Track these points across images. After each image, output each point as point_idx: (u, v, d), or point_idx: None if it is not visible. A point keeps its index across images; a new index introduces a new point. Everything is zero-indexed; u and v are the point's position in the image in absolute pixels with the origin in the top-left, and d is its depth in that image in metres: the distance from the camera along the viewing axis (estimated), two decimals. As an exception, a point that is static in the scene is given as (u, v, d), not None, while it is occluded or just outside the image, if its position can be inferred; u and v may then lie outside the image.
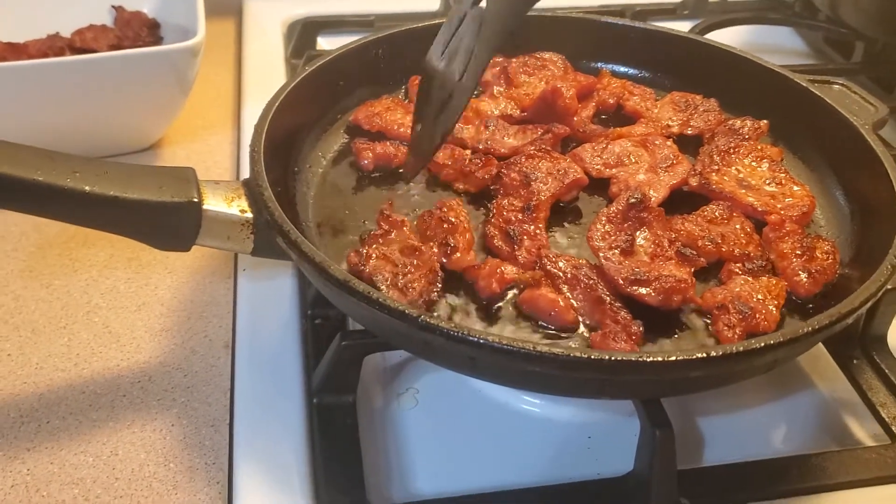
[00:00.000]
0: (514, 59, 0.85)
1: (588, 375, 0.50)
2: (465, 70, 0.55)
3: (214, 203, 0.60)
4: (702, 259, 0.64)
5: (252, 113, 0.83)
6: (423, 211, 0.66)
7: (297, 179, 0.71)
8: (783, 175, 0.72)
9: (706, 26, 1.10)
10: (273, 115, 0.68)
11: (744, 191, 0.70)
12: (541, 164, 0.70)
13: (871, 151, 0.69)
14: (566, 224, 0.70)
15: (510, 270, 0.61)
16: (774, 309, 0.59)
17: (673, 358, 0.49)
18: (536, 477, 0.57)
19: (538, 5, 0.62)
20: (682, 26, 1.05)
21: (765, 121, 0.77)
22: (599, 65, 0.89)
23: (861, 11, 1.03)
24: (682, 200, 0.70)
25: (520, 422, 0.62)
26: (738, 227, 0.67)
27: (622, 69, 0.89)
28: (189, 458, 0.59)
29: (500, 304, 0.61)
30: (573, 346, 0.58)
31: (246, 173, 0.64)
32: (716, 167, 0.72)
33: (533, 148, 0.73)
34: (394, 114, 0.78)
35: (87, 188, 0.55)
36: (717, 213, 0.68)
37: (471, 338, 0.49)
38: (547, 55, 0.86)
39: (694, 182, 0.72)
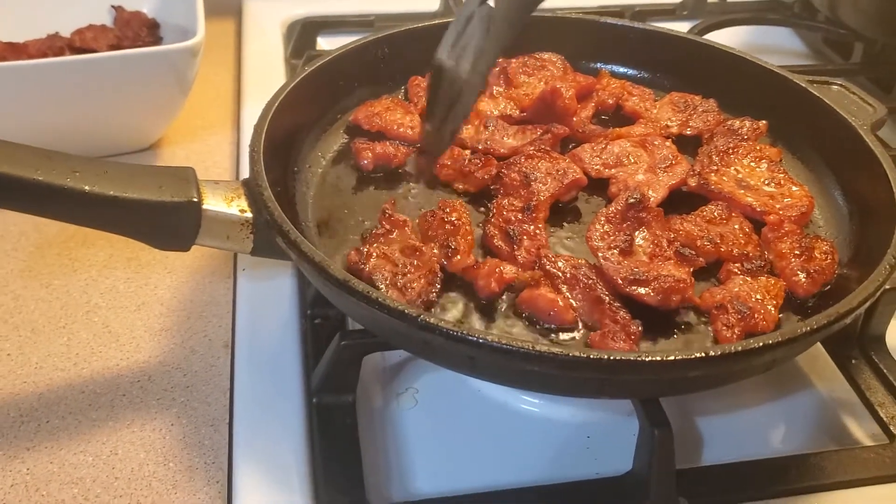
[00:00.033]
0: (513, 60, 0.85)
1: (587, 375, 0.50)
2: (474, 69, 0.54)
3: (214, 203, 0.60)
4: (701, 259, 0.64)
5: (252, 113, 0.83)
6: (425, 211, 0.66)
7: (296, 179, 0.71)
8: (782, 175, 0.72)
9: (705, 27, 1.10)
10: (273, 115, 0.68)
11: (742, 191, 0.70)
12: (540, 165, 0.70)
13: (870, 152, 0.69)
14: (565, 224, 0.70)
15: (509, 270, 0.61)
16: (773, 309, 0.60)
17: (671, 357, 0.49)
18: (535, 476, 0.58)
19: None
20: (682, 27, 1.05)
21: (764, 121, 0.78)
22: (599, 65, 0.89)
23: (860, 12, 1.03)
24: (681, 201, 0.70)
25: (519, 421, 0.62)
26: (736, 227, 0.67)
27: (621, 70, 0.89)
28: (189, 458, 0.59)
29: (500, 303, 0.61)
30: (572, 345, 0.58)
31: (245, 173, 0.64)
32: (715, 167, 0.72)
33: (532, 148, 0.73)
34: (393, 114, 0.78)
35: (86, 188, 0.55)
36: (715, 214, 0.68)
37: (470, 337, 0.49)
38: (546, 55, 0.87)
39: (693, 182, 0.72)
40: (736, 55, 0.83)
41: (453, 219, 0.64)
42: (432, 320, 0.50)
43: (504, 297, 0.61)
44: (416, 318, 0.50)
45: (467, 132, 0.77)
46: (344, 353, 0.59)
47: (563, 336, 0.59)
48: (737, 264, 0.64)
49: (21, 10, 0.94)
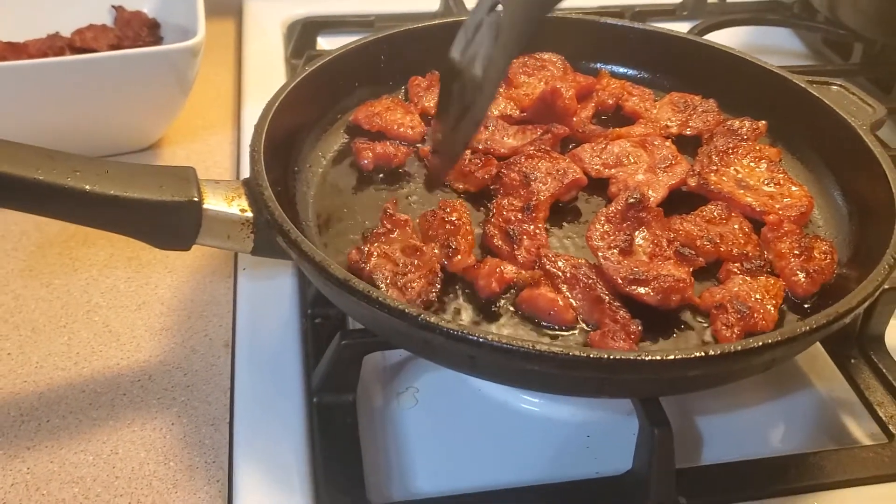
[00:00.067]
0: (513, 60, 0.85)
1: (587, 374, 0.50)
2: (485, 77, 0.54)
3: (215, 202, 0.60)
4: (700, 259, 0.64)
5: (252, 113, 0.84)
6: (426, 210, 0.66)
7: (297, 179, 0.72)
8: (781, 175, 0.72)
9: (705, 27, 1.11)
10: (273, 114, 0.68)
11: (742, 191, 0.71)
12: (540, 165, 0.70)
13: (869, 152, 0.69)
14: (565, 224, 0.70)
15: (510, 270, 0.61)
16: (772, 308, 0.60)
17: (671, 357, 0.49)
18: (536, 475, 0.58)
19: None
20: (681, 27, 1.05)
21: (763, 121, 0.78)
22: (599, 65, 0.89)
23: (859, 13, 1.03)
24: (681, 200, 0.71)
25: (519, 421, 0.62)
26: (736, 227, 0.67)
27: (621, 70, 0.89)
28: (189, 457, 0.59)
29: (500, 303, 0.61)
30: (572, 345, 0.58)
31: (246, 173, 0.64)
32: (714, 167, 0.72)
33: (532, 148, 0.73)
34: (394, 114, 0.78)
35: (87, 187, 0.55)
36: (715, 214, 0.68)
37: (470, 336, 0.49)
38: (546, 56, 0.87)
39: (692, 182, 0.72)
40: (736, 55, 0.84)
41: (454, 218, 0.64)
42: (433, 319, 0.50)
43: (504, 296, 0.61)
44: (417, 318, 0.50)
45: (467, 132, 0.77)
46: (344, 353, 0.59)
47: (564, 335, 0.59)
48: (736, 264, 0.64)
49: (21, 9, 0.94)
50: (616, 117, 0.83)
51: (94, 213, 0.57)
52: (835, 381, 0.66)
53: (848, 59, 1.12)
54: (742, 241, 0.66)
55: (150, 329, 0.69)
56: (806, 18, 1.16)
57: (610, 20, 0.89)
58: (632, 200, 0.65)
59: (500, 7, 0.55)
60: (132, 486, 0.57)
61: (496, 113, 0.80)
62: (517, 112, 0.81)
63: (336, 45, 0.82)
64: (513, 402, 0.63)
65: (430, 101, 0.81)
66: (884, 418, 0.62)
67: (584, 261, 0.62)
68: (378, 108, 0.79)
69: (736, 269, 0.63)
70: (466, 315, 0.60)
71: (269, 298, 0.70)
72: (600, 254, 0.62)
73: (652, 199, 0.69)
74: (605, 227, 0.64)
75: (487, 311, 0.61)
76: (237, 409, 0.61)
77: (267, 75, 1.01)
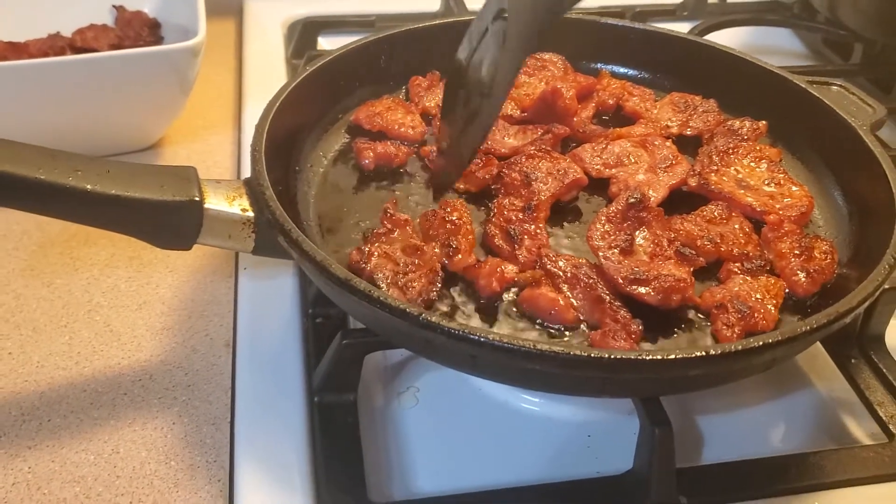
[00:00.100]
0: (514, 60, 0.85)
1: (588, 374, 0.50)
2: (492, 85, 0.54)
3: (216, 202, 0.60)
4: (701, 259, 0.64)
5: (253, 113, 0.83)
6: (426, 210, 0.66)
7: (298, 179, 0.72)
8: (782, 175, 0.72)
9: (705, 27, 1.11)
10: (274, 114, 0.68)
11: (742, 191, 0.71)
12: (541, 164, 0.70)
13: (870, 152, 0.69)
14: (566, 224, 0.70)
15: (510, 269, 0.61)
16: (773, 308, 0.60)
17: (672, 356, 0.49)
18: (536, 475, 0.58)
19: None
20: (682, 27, 1.05)
21: (763, 121, 0.78)
22: (599, 65, 0.89)
23: (860, 13, 1.03)
24: (682, 200, 0.71)
25: (520, 420, 0.62)
26: (736, 227, 0.67)
27: (622, 70, 0.89)
28: (190, 457, 0.59)
29: (501, 302, 0.61)
30: (573, 344, 0.58)
31: (246, 173, 0.64)
32: (715, 167, 0.72)
33: (533, 148, 0.73)
34: (394, 114, 0.78)
35: (88, 187, 0.56)
36: (716, 213, 0.68)
37: (472, 336, 0.49)
38: (547, 56, 0.87)
39: (693, 182, 0.72)
40: (736, 56, 0.84)
41: (454, 218, 0.64)
42: (434, 319, 0.50)
43: (505, 296, 0.61)
44: (418, 317, 0.50)
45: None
46: (345, 352, 0.59)
47: (564, 335, 0.59)
48: (737, 264, 0.64)
49: (22, 9, 0.94)
50: (617, 117, 0.83)
51: (96, 212, 0.57)
52: (835, 380, 0.66)
53: (848, 59, 1.12)
54: (742, 241, 0.66)
55: (152, 328, 0.69)
56: (806, 19, 1.16)
57: (610, 20, 0.89)
58: (632, 200, 0.65)
59: (506, 15, 0.55)
60: (133, 486, 0.57)
61: (497, 113, 0.80)
62: (518, 112, 0.81)
63: (337, 46, 0.82)
64: (514, 402, 0.63)
65: (430, 101, 0.81)
66: (884, 418, 0.62)
67: (584, 261, 0.62)
68: (379, 108, 0.79)
69: (736, 269, 0.63)
70: (467, 314, 0.60)
71: (270, 298, 0.70)
72: (601, 253, 0.62)
73: (652, 198, 0.69)
74: (606, 226, 0.64)
75: (488, 311, 0.61)
76: (238, 409, 0.61)
77: (267, 75, 1.01)
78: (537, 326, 0.60)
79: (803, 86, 0.78)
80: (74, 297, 0.72)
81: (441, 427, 0.61)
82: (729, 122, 0.78)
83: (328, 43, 1.10)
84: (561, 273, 0.61)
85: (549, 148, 0.73)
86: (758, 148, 0.75)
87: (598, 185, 0.73)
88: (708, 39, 0.92)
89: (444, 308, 0.60)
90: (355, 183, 0.73)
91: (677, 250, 0.63)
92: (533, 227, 0.66)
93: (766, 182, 0.72)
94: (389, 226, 0.64)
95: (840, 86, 0.79)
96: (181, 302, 0.72)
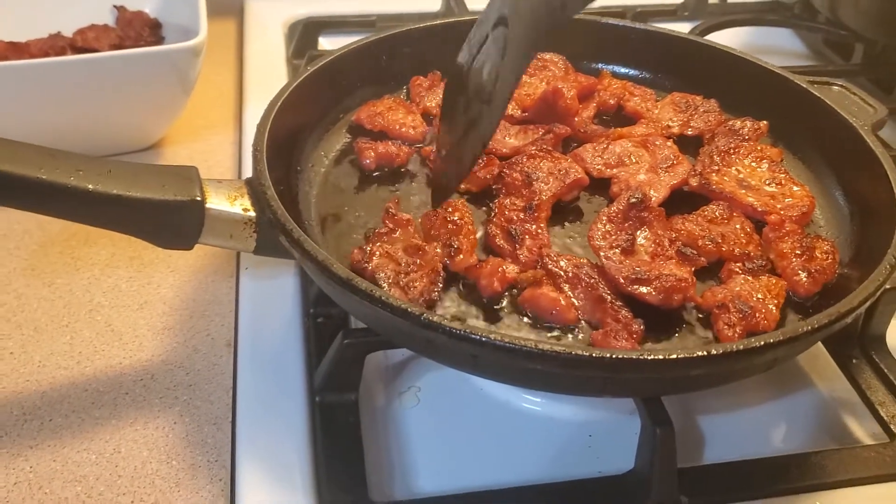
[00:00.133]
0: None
1: (590, 373, 0.50)
2: (493, 93, 0.53)
3: (217, 202, 0.60)
4: (702, 258, 0.64)
5: (254, 113, 0.84)
6: (428, 210, 0.66)
7: (299, 178, 0.72)
8: (783, 175, 0.72)
9: (706, 27, 1.11)
10: (275, 114, 0.68)
11: (744, 191, 0.71)
12: (542, 164, 0.70)
13: (871, 152, 0.70)
14: (567, 224, 0.70)
15: (512, 269, 0.61)
16: (774, 308, 0.60)
17: (674, 356, 0.49)
18: (538, 475, 0.58)
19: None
20: (683, 27, 1.05)
21: (765, 122, 0.78)
22: (600, 66, 0.89)
23: (860, 13, 1.03)
24: (683, 200, 0.71)
25: (521, 420, 0.62)
26: (738, 226, 0.67)
27: (623, 70, 0.89)
28: (191, 456, 0.59)
29: (502, 302, 0.61)
30: (575, 344, 0.58)
31: (247, 172, 0.64)
32: (716, 167, 0.72)
33: (534, 148, 0.73)
34: (395, 113, 0.78)
35: (89, 187, 0.56)
36: (717, 213, 0.68)
37: (473, 336, 0.49)
38: (548, 56, 0.87)
39: (694, 182, 0.72)
40: (737, 56, 0.84)
41: (456, 218, 0.64)
42: (435, 319, 0.50)
43: (506, 296, 0.61)
44: (420, 317, 0.50)
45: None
46: (347, 352, 0.59)
47: (566, 335, 0.59)
48: (738, 264, 0.64)
49: (23, 9, 0.94)
50: (617, 117, 0.83)
51: (97, 212, 0.57)
52: (836, 380, 0.66)
53: (849, 59, 1.12)
54: (744, 241, 0.66)
55: (153, 328, 0.69)
56: (807, 19, 1.16)
57: (611, 20, 0.89)
58: (633, 200, 0.65)
59: (507, 23, 0.54)
60: (135, 485, 0.57)
61: (498, 113, 0.80)
62: (519, 112, 0.81)
63: (337, 46, 0.82)
64: (515, 402, 0.63)
65: (431, 101, 0.81)
66: (885, 418, 0.62)
67: (585, 260, 0.62)
68: (380, 107, 0.79)
69: (738, 269, 0.63)
70: (468, 314, 0.60)
71: (272, 298, 0.70)
72: (602, 253, 0.62)
73: (653, 198, 0.69)
74: (607, 226, 0.65)
75: (489, 311, 0.61)
76: (239, 408, 0.61)
77: (268, 75, 1.01)
78: (539, 326, 0.60)
79: (804, 86, 0.78)
80: (76, 296, 0.72)
81: (442, 427, 0.61)
82: (730, 122, 0.78)
83: (329, 43, 1.10)
84: (562, 273, 0.61)
85: (550, 148, 0.73)
86: (759, 148, 0.75)
87: (600, 185, 0.73)
88: (709, 39, 0.92)
89: (446, 308, 0.60)
90: (356, 183, 0.73)
91: (678, 250, 0.64)
92: (534, 226, 0.66)
93: (768, 182, 0.72)
94: (391, 225, 0.64)
95: (841, 86, 0.79)
96: (182, 301, 0.72)
